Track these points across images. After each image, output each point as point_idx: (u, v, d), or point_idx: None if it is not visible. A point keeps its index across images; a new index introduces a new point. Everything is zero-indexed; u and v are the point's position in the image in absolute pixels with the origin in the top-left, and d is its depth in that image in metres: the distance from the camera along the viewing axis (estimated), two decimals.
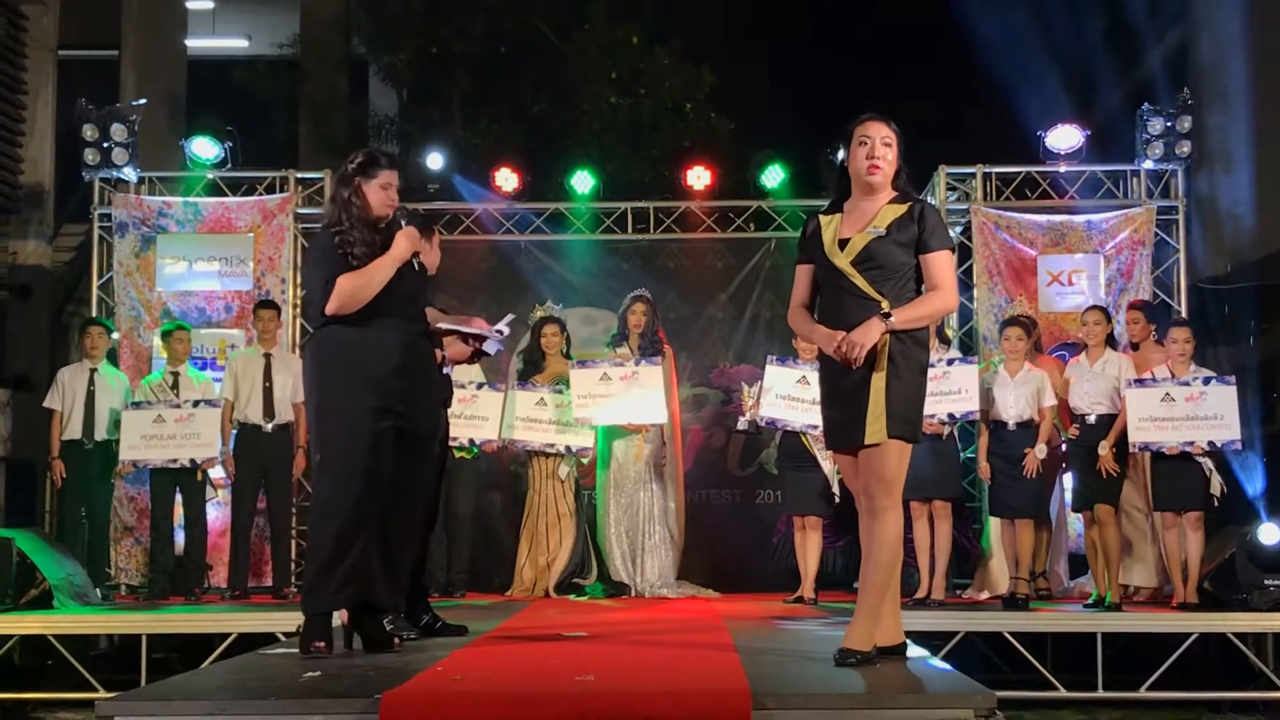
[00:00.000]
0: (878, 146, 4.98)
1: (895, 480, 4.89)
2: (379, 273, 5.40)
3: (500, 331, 6.28)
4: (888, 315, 4.81)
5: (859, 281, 4.91)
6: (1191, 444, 8.21)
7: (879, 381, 4.82)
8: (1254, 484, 8.48)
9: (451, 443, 9.23)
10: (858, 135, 5.02)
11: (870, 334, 4.78)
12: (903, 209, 4.96)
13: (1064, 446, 8.78)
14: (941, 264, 4.96)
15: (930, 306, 4.95)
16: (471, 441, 9.54)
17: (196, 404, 9.30)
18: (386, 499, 5.39)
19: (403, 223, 5.55)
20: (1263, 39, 14.13)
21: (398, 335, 5.45)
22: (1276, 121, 13.05)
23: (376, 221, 5.53)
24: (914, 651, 5.22)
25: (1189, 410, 8.24)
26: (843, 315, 4.91)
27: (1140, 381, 8.35)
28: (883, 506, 4.88)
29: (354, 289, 5.36)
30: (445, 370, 6.45)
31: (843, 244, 4.97)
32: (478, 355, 6.48)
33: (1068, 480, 9.02)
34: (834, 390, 5.00)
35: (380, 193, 5.53)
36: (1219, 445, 8.23)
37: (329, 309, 5.40)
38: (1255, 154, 13.85)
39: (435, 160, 11.83)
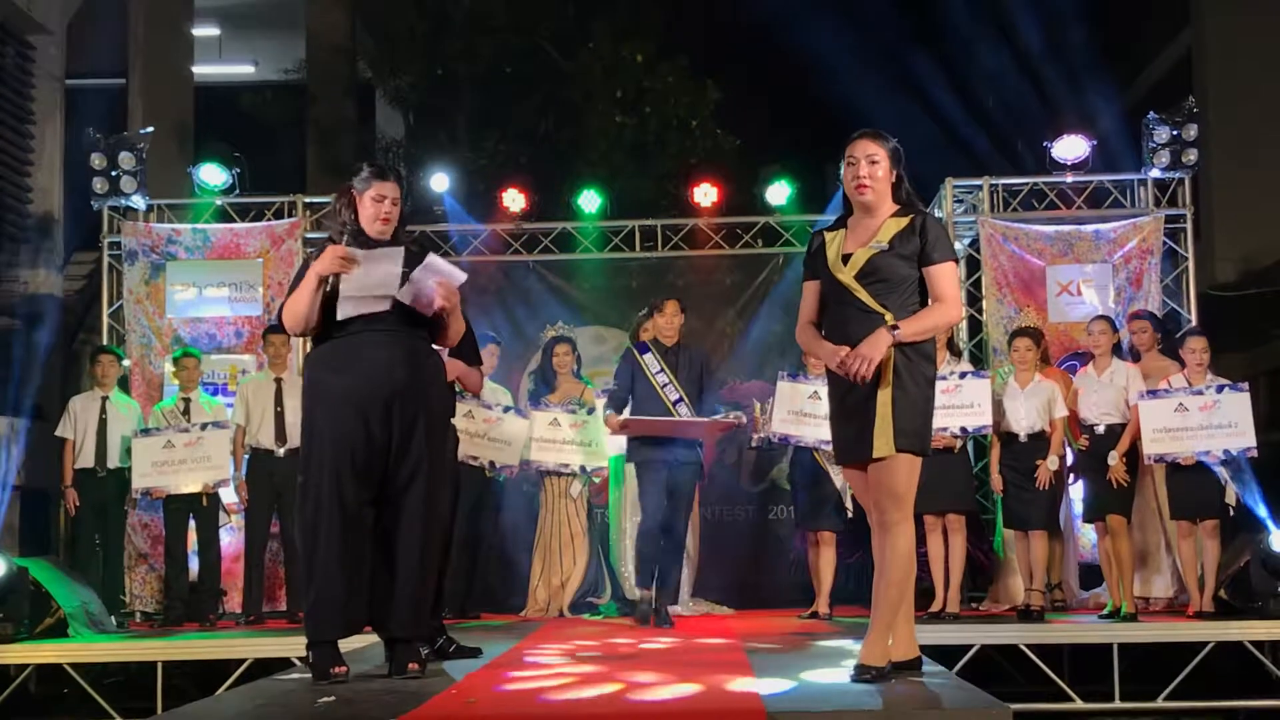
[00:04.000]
0: (863, 166, 4.98)
1: (905, 494, 4.89)
2: (301, 292, 5.18)
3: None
4: (894, 328, 4.81)
5: (863, 295, 4.91)
6: (1207, 453, 8.19)
7: (884, 396, 4.82)
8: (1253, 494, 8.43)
9: (473, 462, 9.24)
10: (846, 155, 5.05)
11: (877, 347, 4.78)
12: (904, 222, 4.97)
13: (1070, 457, 8.75)
14: (945, 276, 4.95)
15: (935, 318, 4.93)
16: (492, 464, 9.54)
17: (204, 427, 9.33)
18: (381, 521, 5.24)
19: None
20: (1269, 43, 14.16)
21: (384, 352, 5.19)
22: None
23: (367, 235, 5.33)
24: (929, 666, 5.20)
25: (1203, 419, 8.21)
26: (848, 329, 4.91)
27: (1154, 393, 8.32)
28: (893, 520, 4.88)
29: (288, 311, 5.25)
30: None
31: (846, 259, 4.97)
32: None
33: (1075, 491, 8.99)
34: (841, 406, 5.00)
35: (372, 205, 5.32)
36: (1234, 453, 8.21)
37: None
38: (1261, 160, 13.88)
39: (440, 181, 11.77)
